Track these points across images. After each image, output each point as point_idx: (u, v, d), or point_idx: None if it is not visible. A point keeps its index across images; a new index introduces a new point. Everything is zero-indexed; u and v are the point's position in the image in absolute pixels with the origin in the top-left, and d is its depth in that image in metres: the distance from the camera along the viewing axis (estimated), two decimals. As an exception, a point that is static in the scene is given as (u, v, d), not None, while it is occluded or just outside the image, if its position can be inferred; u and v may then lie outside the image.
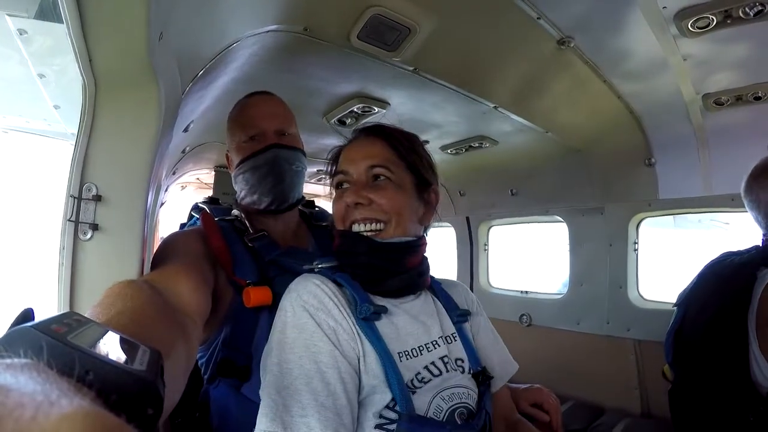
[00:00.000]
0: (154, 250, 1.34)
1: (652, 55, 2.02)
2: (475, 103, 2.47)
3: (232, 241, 1.44)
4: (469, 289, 1.49)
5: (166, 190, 3.10)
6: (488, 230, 4.27)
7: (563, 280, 3.82)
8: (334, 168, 1.32)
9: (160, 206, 2.90)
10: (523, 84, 2.36)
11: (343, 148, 1.32)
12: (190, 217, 1.65)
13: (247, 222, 1.53)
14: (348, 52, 1.91)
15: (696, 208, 3.00)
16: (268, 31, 1.71)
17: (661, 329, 2.41)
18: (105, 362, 0.45)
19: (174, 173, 2.98)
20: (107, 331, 0.52)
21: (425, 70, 2.13)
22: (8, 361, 0.36)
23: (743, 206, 2.61)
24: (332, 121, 2.62)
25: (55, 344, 0.43)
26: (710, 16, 1.68)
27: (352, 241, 1.21)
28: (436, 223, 1.92)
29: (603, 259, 3.35)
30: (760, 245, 1.94)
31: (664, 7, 1.68)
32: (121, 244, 1.18)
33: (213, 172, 3.57)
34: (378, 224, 1.20)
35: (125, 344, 0.52)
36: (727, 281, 1.89)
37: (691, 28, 1.76)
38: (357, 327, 1.10)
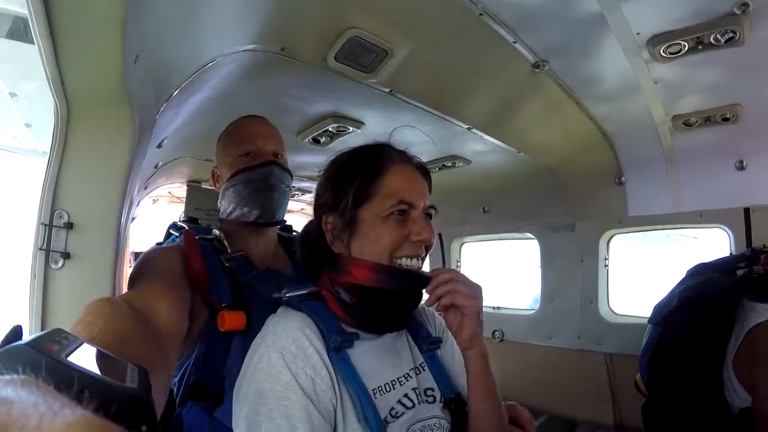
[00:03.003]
0: (125, 269, 1.29)
1: (625, 79, 2.06)
2: (449, 124, 2.47)
3: (210, 261, 1.40)
4: (434, 311, 1.42)
5: (137, 205, 3.00)
6: (460, 247, 4.30)
7: (534, 296, 3.86)
8: (374, 180, 1.15)
9: (131, 221, 2.83)
10: (497, 106, 2.37)
11: (389, 164, 1.17)
12: (168, 235, 1.61)
13: (226, 242, 1.50)
14: (324, 72, 1.89)
15: (665, 224, 3.07)
16: (245, 51, 1.68)
17: (632, 343, 2.47)
18: (100, 379, 0.46)
19: (146, 188, 2.90)
20: (96, 349, 0.54)
21: (401, 92, 2.12)
22: (8, 377, 0.38)
23: (711, 222, 2.72)
24: (306, 139, 2.60)
25: (52, 362, 0.44)
26: (682, 42, 1.72)
27: (404, 279, 1.13)
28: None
29: (574, 275, 3.42)
30: (742, 257, 2.05)
31: (638, 33, 1.71)
32: (93, 272, 1.15)
33: (185, 187, 3.48)
34: (420, 261, 1.15)
35: (114, 362, 0.54)
36: (709, 307, 1.93)
37: (663, 54, 1.79)
38: (333, 370, 1.05)
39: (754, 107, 2.23)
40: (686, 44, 1.72)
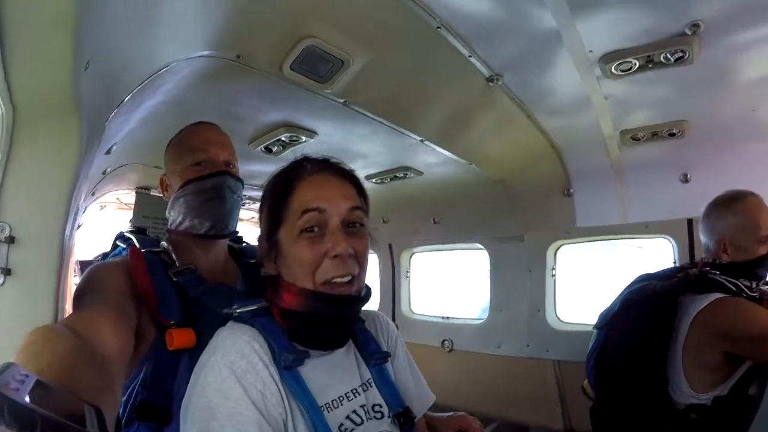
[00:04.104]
0: (69, 280, 1.22)
1: (575, 94, 2.10)
2: (402, 136, 2.46)
3: (157, 276, 1.36)
4: (388, 320, 1.42)
5: (83, 212, 2.87)
6: (410, 257, 4.30)
7: (483, 305, 3.90)
8: (285, 200, 1.12)
9: (77, 229, 2.73)
10: (450, 118, 2.38)
11: (299, 179, 1.13)
12: (114, 246, 1.56)
13: (174, 255, 1.46)
14: (279, 81, 1.84)
15: (611, 235, 3.17)
16: (200, 56, 1.62)
17: (579, 349, 2.51)
18: (62, 424, 0.46)
19: (93, 194, 2.80)
20: (53, 387, 0.54)
21: (355, 103, 2.09)
22: None
23: (656, 233, 2.82)
24: (259, 148, 2.54)
25: (13, 404, 0.44)
26: (633, 60, 1.75)
27: (329, 304, 1.08)
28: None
29: (522, 284, 3.47)
30: (682, 269, 2.08)
31: (591, 51, 1.74)
32: (35, 288, 1.09)
33: (134, 193, 3.36)
34: (349, 278, 1.09)
35: (69, 400, 0.54)
36: (650, 306, 1.98)
37: (614, 71, 1.83)
38: (282, 385, 1.02)
39: (700, 123, 2.32)
40: (637, 62, 1.76)
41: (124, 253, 1.44)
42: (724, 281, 1.88)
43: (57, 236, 1.12)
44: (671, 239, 2.83)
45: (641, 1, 1.49)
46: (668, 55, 1.69)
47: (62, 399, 0.53)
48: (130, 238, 1.49)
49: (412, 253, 4.29)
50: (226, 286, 1.48)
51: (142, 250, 1.41)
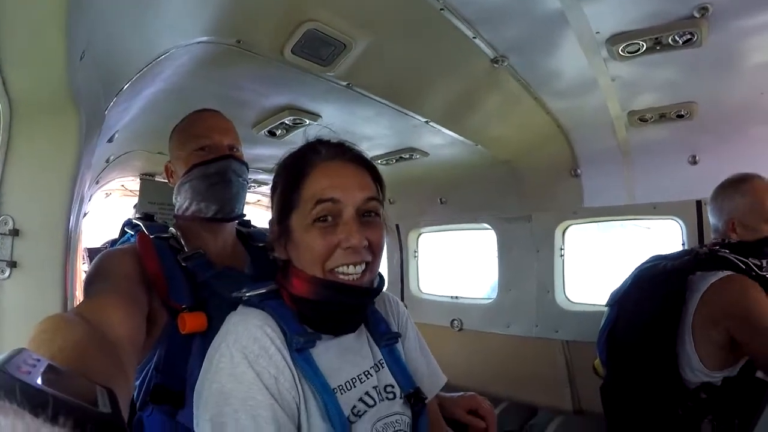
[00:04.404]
0: (78, 267, 1.23)
1: (582, 75, 2.06)
2: (407, 117, 2.44)
3: (167, 261, 1.37)
4: (398, 300, 1.42)
5: (89, 200, 2.95)
6: (418, 237, 4.30)
7: (491, 284, 3.91)
8: (297, 186, 1.10)
9: (83, 217, 2.81)
10: (455, 100, 2.35)
11: (313, 164, 1.11)
12: (123, 233, 1.56)
13: (183, 240, 1.47)
14: (281, 65, 1.83)
15: (619, 216, 3.16)
16: (199, 43, 1.61)
17: (588, 330, 2.53)
18: (74, 403, 0.46)
19: (97, 182, 2.84)
20: (65, 371, 0.54)
21: (359, 85, 2.07)
22: None
23: (664, 214, 2.82)
24: (262, 132, 2.54)
25: (25, 386, 0.44)
26: (641, 42, 1.72)
27: (339, 293, 1.08)
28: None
29: (530, 264, 3.46)
30: (692, 251, 2.07)
31: (598, 32, 1.71)
32: (42, 280, 1.10)
33: (138, 180, 3.40)
34: (362, 266, 1.08)
35: (81, 383, 0.55)
36: (660, 284, 1.99)
37: (621, 53, 1.79)
38: (295, 369, 1.03)
39: (709, 105, 2.28)
40: (644, 44, 1.73)
41: (132, 239, 1.45)
42: (734, 259, 1.89)
43: (61, 227, 1.13)
44: (680, 220, 2.81)
45: (650, -19, 1.45)
46: (676, 38, 1.66)
47: (74, 381, 0.54)
48: (138, 225, 1.48)
49: (420, 234, 4.29)
50: (234, 270, 1.49)
51: (151, 236, 1.41)
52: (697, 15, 1.55)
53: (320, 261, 1.06)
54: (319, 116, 2.41)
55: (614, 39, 1.73)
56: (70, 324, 0.81)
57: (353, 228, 1.04)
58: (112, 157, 2.54)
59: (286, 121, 2.42)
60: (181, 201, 1.54)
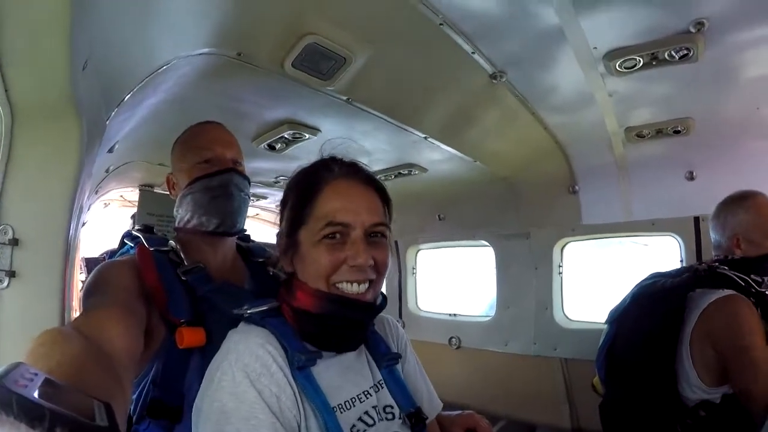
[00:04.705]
0: (75, 277, 1.22)
1: (580, 91, 2.08)
2: (406, 132, 2.46)
3: (166, 274, 1.35)
4: (397, 323, 1.42)
5: (87, 210, 2.97)
6: (416, 254, 4.29)
7: (489, 302, 3.89)
8: (309, 202, 1.11)
9: (82, 227, 2.78)
10: (454, 115, 2.37)
11: (325, 181, 1.12)
12: (122, 244, 1.56)
13: (182, 253, 1.46)
14: (281, 78, 1.84)
15: (618, 232, 3.15)
16: (201, 54, 1.62)
17: (587, 348, 2.50)
18: (71, 417, 0.47)
19: (96, 192, 2.84)
20: (62, 385, 0.54)
21: (358, 100, 2.09)
22: None
23: (662, 230, 2.82)
24: (262, 145, 2.55)
25: (23, 399, 0.44)
26: (637, 58, 1.74)
27: (342, 307, 1.08)
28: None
29: (529, 282, 3.45)
30: (692, 268, 2.06)
31: (595, 48, 1.73)
32: (41, 290, 1.10)
33: (137, 191, 3.40)
34: (366, 284, 1.08)
35: (79, 397, 0.55)
36: (659, 302, 1.99)
37: (618, 68, 1.81)
38: (296, 386, 1.02)
39: (705, 121, 2.30)
40: (641, 59, 1.75)
41: (132, 251, 1.44)
42: (734, 276, 1.88)
43: (61, 237, 1.12)
44: (678, 237, 2.81)
45: (646, -4, 1.47)
46: (673, 53, 1.68)
47: (71, 395, 0.54)
48: (138, 237, 1.48)
49: (418, 250, 4.29)
50: (233, 284, 1.48)
51: (151, 249, 1.41)
52: (693, 30, 1.57)
53: (325, 275, 1.06)
54: (319, 130, 2.42)
55: (611, 54, 1.75)
56: (67, 338, 0.81)
57: (360, 248, 1.05)
58: (111, 167, 2.54)
59: (286, 135, 2.43)
60: (182, 213, 1.53)
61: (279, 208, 1.22)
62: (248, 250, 1.67)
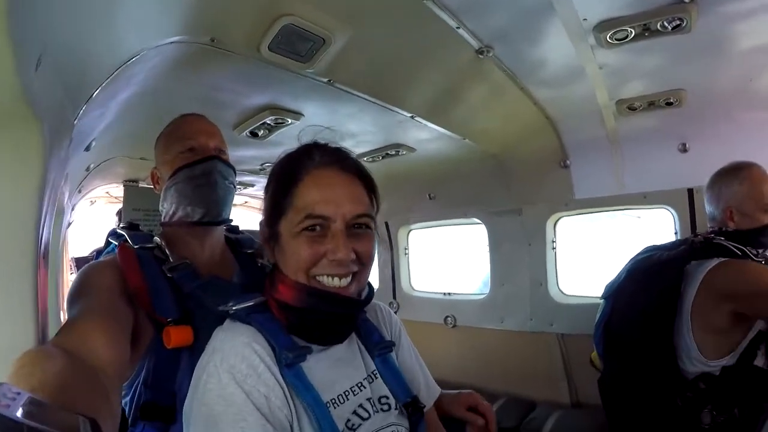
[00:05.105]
0: (65, 278, 1.19)
1: (569, 64, 2.02)
2: (391, 113, 2.40)
3: (151, 272, 1.34)
4: (390, 310, 1.40)
5: (72, 210, 2.94)
6: (408, 234, 4.27)
7: (484, 279, 3.91)
8: (288, 191, 1.06)
9: (68, 227, 2.84)
10: (440, 93, 2.32)
11: (306, 170, 1.07)
12: (107, 243, 1.55)
13: (168, 250, 1.45)
14: (259, 63, 1.77)
15: (610, 206, 3.14)
16: (171, 43, 1.55)
17: (583, 322, 2.51)
18: None
19: (80, 191, 2.81)
20: (46, 404, 0.54)
21: (340, 82, 2.02)
22: None
23: (655, 203, 2.83)
24: (244, 133, 2.50)
25: (7, 421, 0.45)
26: (629, 29, 1.68)
27: (322, 301, 1.04)
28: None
29: (522, 258, 3.44)
30: (687, 240, 2.07)
31: (585, 19, 1.66)
32: (10, 308, 1.01)
33: (122, 187, 3.36)
34: (348, 278, 1.05)
35: (64, 415, 0.55)
36: (655, 276, 1.99)
37: (609, 40, 1.75)
38: (286, 385, 0.99)
39: (698, 92, 2.26)
40: (633, 30, 1.69)
41: (116, 250, 1.41)
42: (730, 246, 1.88)
43: (31, 249, 1.05)
44: (671, 209, 2.80)
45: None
46: (665, 23, 1.62)
47: (55, 413, 0.54)
48: (122, 235, 1.46)
49: (410, 230, 4.27)
50: (221, 279, 1.47)
51: (135, 246, 1.39)
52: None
53: (305, 268, 1.03)
54: (302, 115, 2.37)
55: (602, 26, 1.69)
56: (48, 356, 0.80)
57: (340, 241, 1.01)
58: (92, 165, 2.50)
59: (268, 121, 2.37)
60: (167, 207, 1.51)
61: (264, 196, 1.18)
62: (237, 241, 1.65)
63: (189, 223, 1.48)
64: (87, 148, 1.96)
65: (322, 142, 1.14)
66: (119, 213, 3.50)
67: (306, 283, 1.03)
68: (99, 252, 1.58)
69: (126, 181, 3.30)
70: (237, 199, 4.09)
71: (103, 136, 2.08)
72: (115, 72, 1.50)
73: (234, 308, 1.08)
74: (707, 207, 2.09)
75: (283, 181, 1.08)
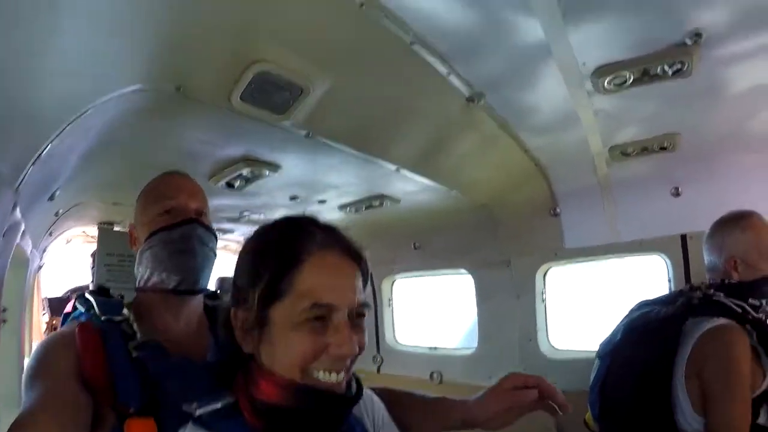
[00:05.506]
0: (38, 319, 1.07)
1: (563, 110, 1.96)
2: (375, 164, 2.32)
3: (115, 353, 1.22)
4: (373, 396, 1.25)
5: (43, 252, 2.90)
6: (392, 285, 4.18)
7: (466, 332, 3.89)
8: (289, 273, 0.91)
9: (37, 271, 2.86)
10: (427, 143, 2.25)
11: (308, 251, 0.93)
12: (74, 308, 1.44)
13: (139, 321, 1.33)
14: (230, 113, 1.66)
15: (603, 255, 3.05)
16: (131, 92, 1.44)
17: (576, 379, 2.38)
18: None
19: (51, 234, 2.73)
20: None
21: (320, 134, 1.93)
22: None
23: (650, 250, 2.78)
24: (220, 183, 2.39)
25: None
26: (628, 74, 1.62)
27: (318, 401, 0.90)
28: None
29: (512, 311, 3.33)
30: (683, 293, 2.01)
31: (584, 64, 1.60)
32: None
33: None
34: (344, 373, 0.92)
35: None
36: (654, 334, 1.91)
37: (606, 85, 1.69)
38: None
39: (692, 136, 2.22)
40: (632, 75, 1.63)
41: (83, 317, 1.33)
42: (730, 303, 1.81)
43: None
44: (665, 257, 2.74)
45: (641, 8, 1.34)
46: (665, 68, 1.56)
47: None
48: (90, 302, 1.35)
49: (394, 281, 4.18)
50: (191, 361, 1.31)
51: (103, 318, 1.28)
52: (689, 42, 1.45)
53: (303, 364, 0.89)
54: (279, 167, 2.28)
55: (600, 71, 1.62)
56: None
57: (345, 334, 0.90)
58: (61, 211, 2.40)
59: (244, 173, 2.28)
60: (141, 271, 1.41)
61: (237, 270, 1.01)
62: (214, 309, 1.49)
63: (164, 290, 1.37)
64: (51, 198, 1.88)
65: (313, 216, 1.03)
66: (93, 255, 3.34)
67: (299, 381, 0.89)
68: (66, 316, 1.47)
69: (101, 223, 3.17)
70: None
71: (68, 186, 1.99)
72: (67, 127, 1.40)
73: (198, 412, 0.92)
74: (707, 257, 2.03)
75: (281, 261, 0.93)
